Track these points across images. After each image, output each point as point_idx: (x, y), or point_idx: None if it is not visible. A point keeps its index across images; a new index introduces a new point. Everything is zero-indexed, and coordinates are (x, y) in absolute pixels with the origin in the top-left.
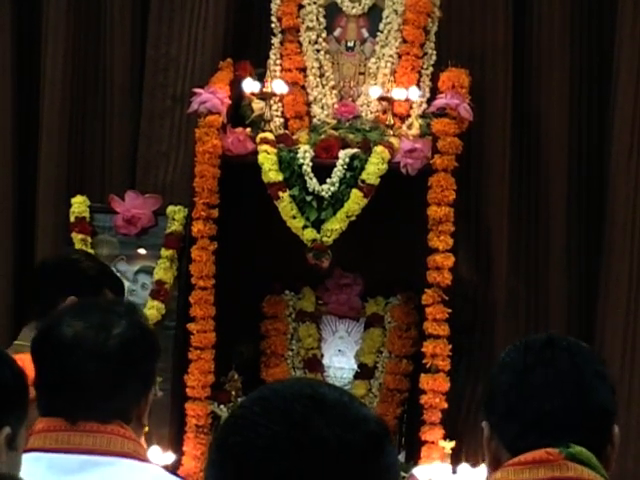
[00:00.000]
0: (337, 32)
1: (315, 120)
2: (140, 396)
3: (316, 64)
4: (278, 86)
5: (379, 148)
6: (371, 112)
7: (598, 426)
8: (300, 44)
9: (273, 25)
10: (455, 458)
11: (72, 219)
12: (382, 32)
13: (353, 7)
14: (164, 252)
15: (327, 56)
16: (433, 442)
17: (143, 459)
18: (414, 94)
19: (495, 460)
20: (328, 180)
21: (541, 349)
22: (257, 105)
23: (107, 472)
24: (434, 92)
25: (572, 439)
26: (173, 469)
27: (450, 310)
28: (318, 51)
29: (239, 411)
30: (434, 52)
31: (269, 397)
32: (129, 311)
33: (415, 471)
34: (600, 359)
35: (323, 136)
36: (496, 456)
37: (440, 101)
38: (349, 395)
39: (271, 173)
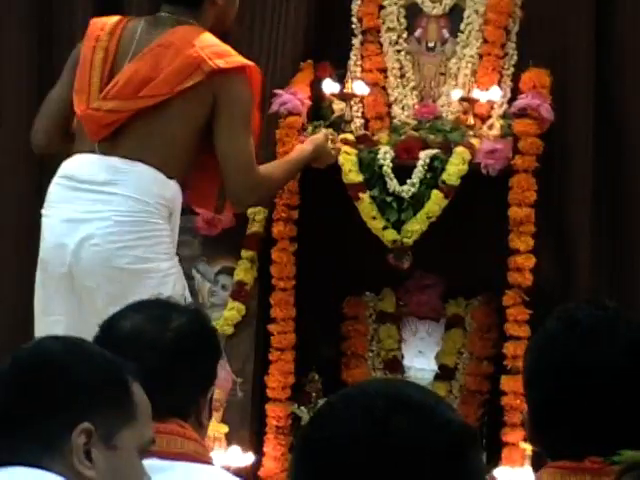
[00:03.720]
0: (418, 32)
1: (395, 121)
2: (198, 394)
3: (397, 65)
4: (358, 87)
5: (460, 149)
6: (452, 113)
7: None
8: (380, 45)
9: (353, 26)
10: (537, 460)
11: None
12: (463, 32)
13: (434, 7)
14: (244, 253)
15: (408, 57)
16: (514, 444)
17: (202, 459)
18: (496, 94)
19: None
20: (408, 181)
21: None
22: (337, 106)
23: (166, 477)
24: (515, 93)
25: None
26: (253, 470)
27: (531, 311)
28: (399, 52)
29: (324, 407)
30: (515, 52)
31: (354, 394)
32: (191, 309)
33: (496, 473)
34: None
35: (403, 137)
36: None
37: (521, 102)
38: (436, 397)
39: (351, 174)
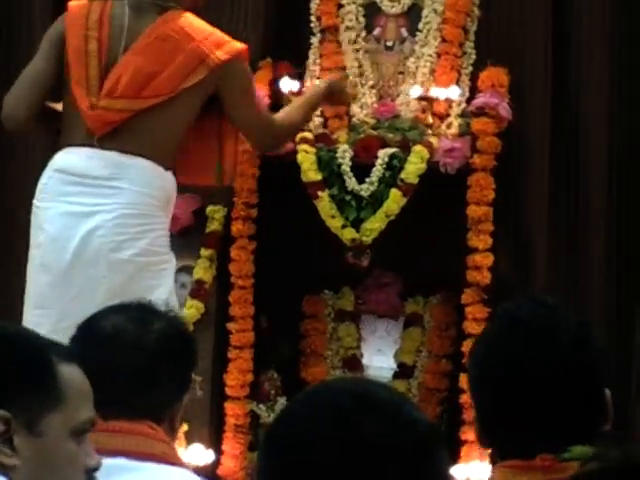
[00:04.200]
0: (376, 31)
1: (354, 119)
2: (173, 398)
3: (355, 63)
4: None
5: (418, 147)
6: (410, 111)
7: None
8: (339, 43)
9: (312, 24)
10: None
11: None
12: (421, 31)
13: (392, 6)
14: (203, 251)
15: (366, 55)
16: (473, 441)
17: (171, 461)
18: (454, 93)
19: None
20: (367, 179)
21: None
22: None
23: (133, 478)
24: (473, 91)
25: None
26: (212, 468)
27: (490, 309)
28: (357, 50)
29: (290, 405)
30: (473, 51)
31: (320, 392)
32: (171, 314)
33: (454, 470)
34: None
35: (362, 135)
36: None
37: (479, 100)
38: (402, 396)
39: (310, 172)
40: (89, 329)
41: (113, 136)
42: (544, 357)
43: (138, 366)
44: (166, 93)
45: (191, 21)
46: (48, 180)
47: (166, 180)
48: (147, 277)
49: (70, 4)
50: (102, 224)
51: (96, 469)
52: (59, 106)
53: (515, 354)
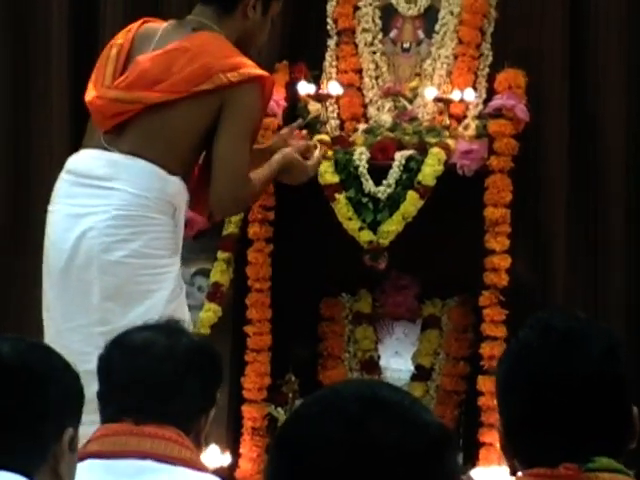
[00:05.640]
0: (393, 33)
1: (371, 122)
2: (201, 411)
3: (372, 66)
4: (334, 88)
5: (435, 149)
6: (427, 113)
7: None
8: (356, 46)
9: (329, 27)
10: None
11: None
12: (438, 33)
13: (409, 8)
14: (220, 254)
15: (383, 57)
16: (491, 444)
17: (199, 467)
18: (470, 95)
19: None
20: (384, 182)
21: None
22: (313, 107)
23: (161, 478)
24: (490, 93)
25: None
26: (230, 471)
27: (507, 312)
28: (374, 53)
29: (299, 409)
30: (490, 53)
31: (329, 396)
32: (198, 335)
33: (473, 473)
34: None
35: (379, 138)
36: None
37: (496, 102)
38: (412, 399)
39: (327, 175)
40: (119, 342)
41: (119, 137)
42: (574, 368)
43: (166, 375)
44: (178, 91)
45: (217, 40)
46: (60, 183)
47: (169, 184)
48: (144, 281)
49: None
50: (94, 225)
51: None
52: None
53: (546, 363)
